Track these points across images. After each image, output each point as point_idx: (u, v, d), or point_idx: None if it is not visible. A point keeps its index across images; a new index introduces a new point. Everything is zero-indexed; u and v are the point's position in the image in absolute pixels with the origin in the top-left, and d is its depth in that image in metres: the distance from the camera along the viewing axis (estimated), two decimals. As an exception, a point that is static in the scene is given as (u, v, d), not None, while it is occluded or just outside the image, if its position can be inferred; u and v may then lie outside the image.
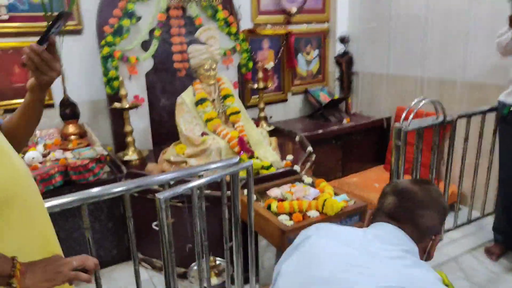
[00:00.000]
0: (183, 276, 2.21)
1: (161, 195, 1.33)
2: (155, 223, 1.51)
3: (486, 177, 2.64)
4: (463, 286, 2.30)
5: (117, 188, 1.39)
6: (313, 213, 1.88)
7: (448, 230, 2.57)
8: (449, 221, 2.63)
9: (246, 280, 1.96)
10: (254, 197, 2.08)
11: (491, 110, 2.48)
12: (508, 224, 2.53)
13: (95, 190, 1.35)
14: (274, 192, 2.08)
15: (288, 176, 2.34)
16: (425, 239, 1.04)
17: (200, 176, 1.53)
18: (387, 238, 1.00)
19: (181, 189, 1.40)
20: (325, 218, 1.87)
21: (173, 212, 2.23)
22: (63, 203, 1.29)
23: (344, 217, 1.94)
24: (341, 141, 3.53)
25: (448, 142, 2.36)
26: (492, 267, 2.47)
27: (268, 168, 2.40)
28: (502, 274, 2.40)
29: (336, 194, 2.06)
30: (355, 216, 1.98)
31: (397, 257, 0.95)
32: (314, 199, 1.97)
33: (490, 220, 2.69)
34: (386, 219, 1.05)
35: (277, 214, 1.89)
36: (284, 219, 1.84)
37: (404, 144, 2.05)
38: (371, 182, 3.37)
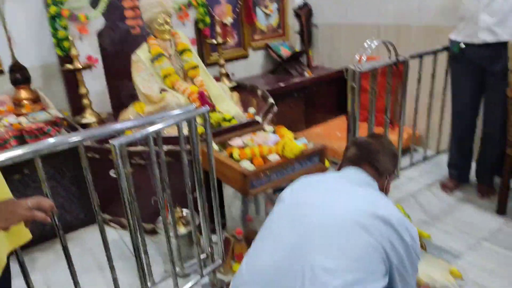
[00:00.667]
0: (154, 232, 2.24)
1: (116, 141, 1.33)
2: (112, 170, 1.50)
3: (440, 116, 2.75)
4: (420, 217, 2.45)
5: (72, 138, 1.36)
6: (274, 157, 1.92)
7: (405, 168, 2.68)
8: (406, 161, 2.76)
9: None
10: (217, 147, 2.10)
11: (442, 49, 2.55)
12: (461, 159, 2.68)
13: (48, 141, 1.32)
14: (236, 141, 2.11)
15: (250, 127, 2.36)
16: (382, 178, 1.31)
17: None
18: (353, 176, 1.27)
19: (137, 135, 1.39)
20: (285, 161, 1.92)
21: (138, 170, 2.23)
22: (14, 156, 1.26)
23: (304, 159, 1.99)
24: (303, 94, 3.57)
25: (402, 84, 2.43)
26: (447, 199, 2.63)
27: (229, 120, 2.41)
28: (456, 204, 2.56)
29: (295, 138, 2.10)
30: (314, 157, 2.05)
31: (364, 188, 1.23)
32: (274, 144, 2.01)
33: (445, 158, 2.84)
34: (350, 165, 1.32)
35: (239, 161, 1.92)
36: (245, 164, 1.87)
37: (359, 86, 2.09)
38: (333, 131, 3.45)
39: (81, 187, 2.46)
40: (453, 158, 2.73)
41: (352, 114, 2.20)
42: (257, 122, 2.42)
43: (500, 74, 2.21)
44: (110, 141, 1.33)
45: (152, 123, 1.49)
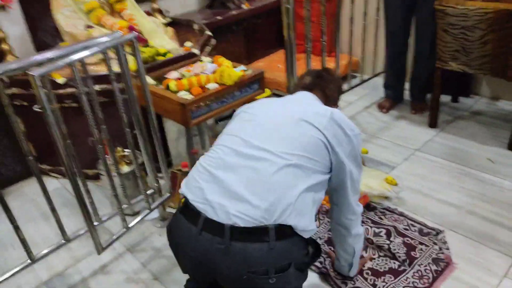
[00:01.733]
0: (98, 177, 2.18)
1: (36, 72, 1.23)
2: (35, 106, 1.41)
3: (374, 39, 2.81)
4: (359, 137, 2.56)
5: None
6: (212, 85, 1.89)
7: (343, 93, 2.75)
8: (344, 87, 2.82)
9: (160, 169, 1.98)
10: (153, 82, 2.02)
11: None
12: (396, 79, 2.79)
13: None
14: (172, 74, 2.04)
15: (187, 59, 2.28)
16: (329, 104, 1.39)
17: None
18: (305, 96, 1.38)
19: (60, 63, 1.30)
20: (225, 88, 1.89)
21: (72, 114, 2.11)
22: None
23: (243, 86, 1.98)
24: (242, 27, 3.47)
25: (336, 9, 2.42)
26: (383, 117, 2.76)
27: (164, 54, 2.32)
28: (391, 122, 2.70)
29: (234, 67, 2.07)
30: (254, 84, 2.04)
31: (313, 101, 1.35)
32: (212, 73, 1.97)
33: (381, 81, 2.94)
34: (303, 89, 1.42)
35: (177, 92, 1.87)
36: (183, 94, 1.83)
37: (293, 6, 2.06)
38: (275, 64, 3.45)
39: (14, 139, 2.31)
40: (388, 79, 2.83)
41: (288, 39, 2.18)
42: (194, 54, 2.35)
43: (429, -12, 2.27)
44: (29, 72, 1.23)
45: (75, 52, 1.39)
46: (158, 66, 2.19)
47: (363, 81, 2.88)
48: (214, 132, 2.23)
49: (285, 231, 1.06)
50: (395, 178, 2.04)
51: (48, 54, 1.35)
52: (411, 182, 2.11)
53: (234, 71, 1.90)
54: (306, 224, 1.08)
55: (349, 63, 2.79)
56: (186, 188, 1.17)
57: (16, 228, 1.49)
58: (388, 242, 1.70)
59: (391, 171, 2.21)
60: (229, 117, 2.11)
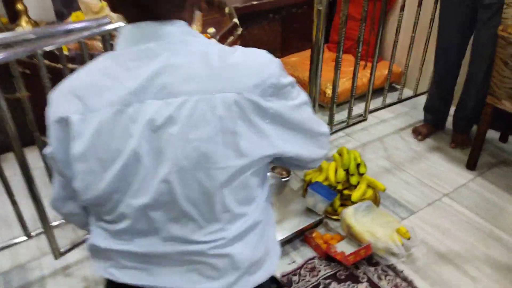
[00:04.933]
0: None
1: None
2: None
3: (423, 53, 2.43)
4: (382, 164, 2.25)
5: None
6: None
7: (376, 110, 2.42)
8: (379, 101, 2.49)
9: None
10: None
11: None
12: (440, 101, 2.41)
13: None
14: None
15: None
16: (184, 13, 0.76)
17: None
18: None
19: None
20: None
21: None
22: None
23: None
24: (280, 15, 3.16)
25: (380, 11, 2.07)
26: (416, 146, 2.41)
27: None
28: (424, 153, 2.35)
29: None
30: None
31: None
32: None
33: (423, 101, 2.56)
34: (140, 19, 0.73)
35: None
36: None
37: (326, 8, 1.75)
38: (308, 61, 3.12)
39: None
40: (431, 100, 2.46)
41: (316, 43, 1.89)
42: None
43: (495, 7, 1.86)
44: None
45: (57, 33, 1.19)
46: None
47: (402, 100, 2.52)
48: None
49: None
50: (411, 226, 1.74)
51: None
52: (429, 235, 1.80)
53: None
54: None
55: (388, 71, 2.42)
56: None
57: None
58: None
59: (408, 216, 1.90)
60: None
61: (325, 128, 0.86)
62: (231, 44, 2.33)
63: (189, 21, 0.76)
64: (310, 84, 2.03)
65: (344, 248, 1.66)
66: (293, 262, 1.68)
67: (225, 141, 0.68)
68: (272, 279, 0.89)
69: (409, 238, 1.67)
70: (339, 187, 1.86)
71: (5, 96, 1.18)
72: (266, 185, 0.83)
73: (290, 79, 0.76)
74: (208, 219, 0.73)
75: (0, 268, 1.66)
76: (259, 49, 0.76)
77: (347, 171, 1.86)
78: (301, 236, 1.78)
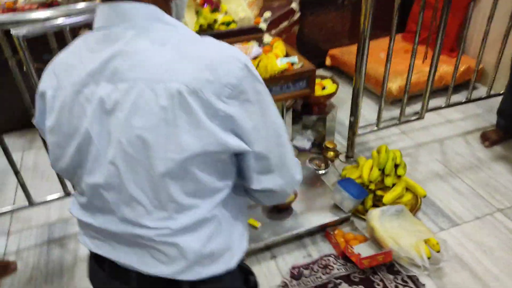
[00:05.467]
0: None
1: (20, 32, 1.17)
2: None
3: (499, 49, 2.13)
4: (436, 168, 2.05)
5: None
6: (245, 74, 1.64)
7: (436, 109, 2.20)
8: (453, 98, 2.26)
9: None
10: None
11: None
12: (516, 106, 2.12)
13: None
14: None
15: (250, 34, 2.04)
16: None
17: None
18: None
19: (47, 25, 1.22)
20: (258, 80, 1.63)
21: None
22: None
23: (285, 81, 1.68)
24: (350, 2, 3.01)
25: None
26: (481, 152, 2.15)
27: (228, 24, 2.10)
28: (488, 161, 2.09)
29: (287, 56, 1.77)
30: (300, 82, 1.72)
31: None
32: (253, 58, 1.71)
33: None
34: None
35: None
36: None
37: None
38: (378, 51, 2.93)
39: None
40: (505, 103, 2.16)
41: (363, 32, 1.77)
42: (259, 30, 2.08)
43: None
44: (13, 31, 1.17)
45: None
46: (218, 36, 1.99)
47: (475, 99, 2.25)
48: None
49: None
50: (444, 239, 1.58)
51: (33, 15, 1.27)
52: (467, 252, 1.61)
53: (274, 63, 1.62)
54: None
55: (472, 69, 2.19)
56: None
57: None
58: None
59: (449, 228, 1.72)
60: None
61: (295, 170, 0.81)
62: (286, 30, 2.29)
63: (165, 7, 0.74)
64: (356, 73, 1.92)
65: (364, 250, 1.57)
66: (309, 256, 1.64)
67: (166, 132, 0.66)
68: (242, 275, 0.88)
69: (438, 251, 1.51)
70: (372, 186, 1.75)
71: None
72: (231, 181, 0.79)
73: (260, 87, 0.70)
74: (156, 206, 0.73)
75: (48, 218, 1.88)
76: (230, 46, 0.71)
77: (383, 171, 1.74)
78: (323, 232, 1.72)
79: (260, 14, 2.38)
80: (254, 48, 1.78)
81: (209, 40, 0.71)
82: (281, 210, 1.76)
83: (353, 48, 3.05)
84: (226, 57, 0.68)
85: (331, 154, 2.11)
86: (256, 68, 1.62)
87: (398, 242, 1.52)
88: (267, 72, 1.61)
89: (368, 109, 2.50)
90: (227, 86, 0.66)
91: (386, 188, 1.76)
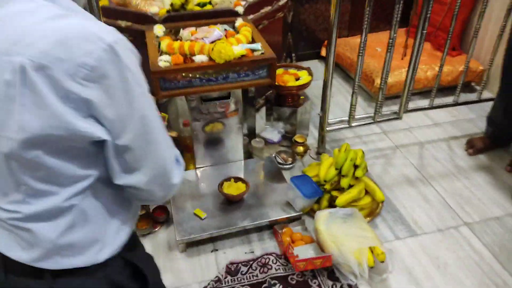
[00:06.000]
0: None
1: None
2: None
3: (492, 49, 1.97)
4: (409, 173, 1.93)
5: None
6: (200, 58, 1.56)
7: (414, 110, 2.06)
8: (445, 99, 2.13)
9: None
10: (161, 31, 1.78)
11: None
12: (505, 115, 1.95)
13: None
14: (186, 31, 1.77)
15: (225, 17, 1.95)
16: None
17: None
18: None
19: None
20: (213, 65, 1.55)
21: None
22: None
23: (242, 68, 1.60)
24: (353, -10, 2.86)
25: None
26: (461, 161, 2.01)
27: (203, 5, 2.03)
28: (467, 170, 1.94)
29: (251, 42, 1.68)
30: (261, 70, 1.63)
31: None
32: (211, 42, 1.63)
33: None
34: None
35: (162, 55, 1.61)
36: (164, 58, 1.56)
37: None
38: (374, 45, 2.79)
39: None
40: (494, 111, 2.00)
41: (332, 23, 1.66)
42: (235, 13, 1.99)
43: None
44: None
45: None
46: (192, 17, 1.91)
47: (458, 104, 2.10)
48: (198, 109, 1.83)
49: None
50: (390, 249, 1.48)
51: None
52: (417, 265, 1.50)
53: (229, 49, 1.53)
54: None
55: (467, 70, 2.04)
56: None
57: None
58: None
59: (406, 237, 1.61)
60: (221, 98, 1.78)
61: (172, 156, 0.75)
62: (267, 15, 2.18)
63: None
64: (326, 66, 1.81)
65: (305, 253, 1.49)
66: (251, 252, 1.57)
67: (8, 109, 0.61)
68: (129, 269, 0.83)
69: (383, 261, 1.42)
70: (327, 186, 1.66)
71: None
72: (97, 171, 0.72)
73: (128, 74, 0.63)
74: (9, 187, 0.69)
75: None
76: (101, 24, 0.64)
77: (340, 170, 1.64)
78: (272, 229, 1.65)
79: (246, -3, 2.28)
80: (215, 32, 1.70)
81: (81, 16, 0.65)
82: (231, 202, 1.69)
83: (351, 40, 2.94)
84: (87, 35, 0.61)
85: (300, 149, 2.01)
86: (211, 52, 1.55)
87: (340, 248, 1.43)
88: (221, 58, 1.53)
89: (361, 104, 2.40)
90: (82, 67, 0.60)
91: (342, 189, 1.66)
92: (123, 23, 2.01)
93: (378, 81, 2.40)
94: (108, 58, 0.61)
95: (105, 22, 2.03)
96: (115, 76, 0.62)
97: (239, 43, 1.63)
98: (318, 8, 2.88)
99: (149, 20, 1.92)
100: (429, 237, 1.62)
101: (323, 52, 3.01)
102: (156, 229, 1.66)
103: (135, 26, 1.94)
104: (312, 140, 2.12)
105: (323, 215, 1.52)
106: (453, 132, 2.20)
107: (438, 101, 2.22)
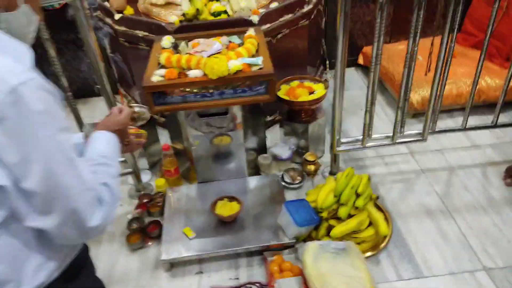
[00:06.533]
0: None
1: None
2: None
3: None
4: (427, 202, 1.73)
5: None
6: (194, 73, 1.50)
7: (441, 132, 1.82)
8: (487, 119, 1.86)
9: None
10: (169, 42, 1.75)
11: None
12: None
13: None
14: (190, 43, 1.72)
15: (239, 26, 1.88)
16: None
17: None
18: None
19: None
20: (206, 81, 1.49)
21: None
22: None
23: (240, 85, 1.52)
24: (395, -5, 2.63)
25: None
26: (494, 191, 1.75)
27: (218, 14, 1.97)
28: (497, 203, 1.68)
29: (253, 56, 1.59)
30: (259, 86, 1.53)
31: None
32: (209, 56, 1.57)
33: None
34: None
35: (160, 68, 1.58)
36: (159, 72, 1.53)
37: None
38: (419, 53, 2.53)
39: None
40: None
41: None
42: (249, 23, 1.91)
43: None
44: None
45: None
46: (208, 27, 1.87)
47: (496, 125, 1.83)
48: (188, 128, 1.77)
49: None
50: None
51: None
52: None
53: (223, 63, 1.46)
54: None
55: None
56: None
57: None
58: None
59: (410, 279, 1.43)
60: (218, 114, 1.71)
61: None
62: (288, 24, 2.06)
63: None
64: (335, 80, 1.66)
65: (289, 286, 1.38)
66: (236, 278, 1.50)
67: None
68: None
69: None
70: (324, 214, 1.52)
71: None
72: (4, 211, 0.71)
73: (33, 118, 0.62)
74: None
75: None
76: (9, 63, 0.62)
77: (339, 198, 1.50)
78: (263, 255, 1.55)
79: (267, 6, 2.19)
80: (215, 44, 1.64)
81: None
82: (225, 223, 1.63)
83: (391, 47, 2.70)
84: None
85: (310, 167, 1.89)
86: (203, 67, 1.49)
87: (324, 286, 1.30)
88: (213, 73, 1.46)
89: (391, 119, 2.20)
90: None
91: (341, 219, 1.51)
92: (140, 33, 2.03)
93: (416, 97, 2.18)
94: (9, 101, 0.59)
95: (124, 32, 2.08)
96: (15, 119, 0.61)
97: (238, 57, 1.55)
98: (355, 13, 2.69)
99: (162, 30, 1.91)
100: (437, 281, 1.42)
101: (361, 60, 2.81)
102: (148, 244, 1.65)
103: (151, 36, 1.95)
104: (328, 158, 1.97)
105: (312, 247, 1.40)
106: (493, 157, 1.92)
107: (478, 120, 1.96)
